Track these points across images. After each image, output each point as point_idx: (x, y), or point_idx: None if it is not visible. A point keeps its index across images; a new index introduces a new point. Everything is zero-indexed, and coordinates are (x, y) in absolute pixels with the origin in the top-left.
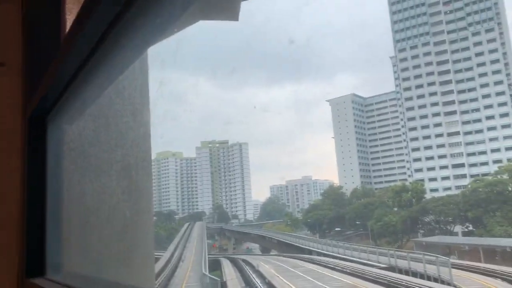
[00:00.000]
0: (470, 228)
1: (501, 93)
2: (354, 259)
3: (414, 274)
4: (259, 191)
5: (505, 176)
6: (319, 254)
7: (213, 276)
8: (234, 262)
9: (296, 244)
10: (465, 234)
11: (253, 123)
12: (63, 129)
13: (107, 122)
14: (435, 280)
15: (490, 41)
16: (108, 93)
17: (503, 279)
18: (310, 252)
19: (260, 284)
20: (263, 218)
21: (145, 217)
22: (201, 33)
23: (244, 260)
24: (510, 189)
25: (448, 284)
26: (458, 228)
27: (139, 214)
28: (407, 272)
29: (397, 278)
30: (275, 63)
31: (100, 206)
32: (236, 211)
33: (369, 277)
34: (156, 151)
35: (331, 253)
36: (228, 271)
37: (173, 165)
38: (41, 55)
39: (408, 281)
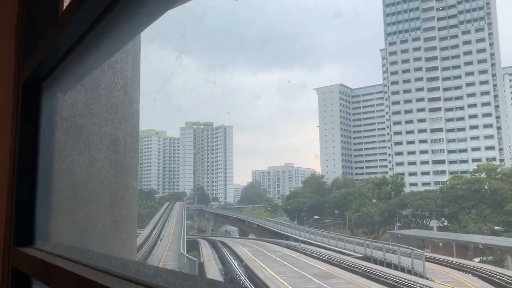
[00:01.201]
0: (446, 223)
1: (486, 93)
2: (331, 247)
3: (389, 265)
4: (241, 175)
5: (483, 175)
6: (296, 240)
7: (190, 256)
8: (212, 243)
9: (274, 229)
10: (440, 229)
11: (241, 107)
12: (57, 98)
13: (98, 94)
14: (409, 272)
15: (479, 40)
16: (101, 65)
17: (474, 275)
18: (288, 238)
19: (237, 266)
20: (243, 202)
21: (131, 193)
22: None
23: (222, 242)
24: (486, 187)
25: (421, 276)
26: (433, 223)
27: (125, 190)
28: (382, 263)
29: (372, 268)
30: (264, 47)
31: (89, 179)
32: (217, 193)
33: (344, 265)
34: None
35: (309, 240)
36: (206, 252)
37: (156, 143)
38: (38, 21)
39: (382, 271)
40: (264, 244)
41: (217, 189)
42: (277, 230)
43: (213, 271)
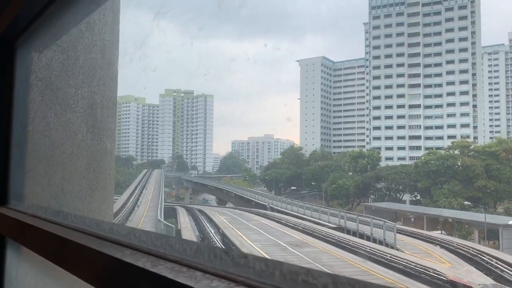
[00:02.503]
0: (418, 197)
1: (464, 71)
2: (307, 217)
3: (361, 236)
4: (220, 145)
5: (456, 152)
6: (273, 210)
7: (168, 223)
8: (189, 211)
9: (252, 198)
10: (413, 202)
11: (220, 76)
12: (31, 57)
13: (75, 56)
14: (380, 243)
15: (461, 18)
16: (79, 25)
17: (442, 246)
18: (265, 207)
19: (214, 234)
20: (222, 172)
21: (107, 158)
22: None
23: (199, 210)
24: (459, 164)
25: (392, 247)
26: (406, 197)
27: (102, 155)
28: (354, 234)
29: (345, 238)
30: (247, 16)
31: (65, 142)
32: (196, 162)
33: (319, 235)
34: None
35: (285, 210)
36: (183, 219)
37: (135, 110)
38: None
39: (355, 242)
40: (241, 213)
41: (196, 158)
42: (254, 200)
43: (190, 238)
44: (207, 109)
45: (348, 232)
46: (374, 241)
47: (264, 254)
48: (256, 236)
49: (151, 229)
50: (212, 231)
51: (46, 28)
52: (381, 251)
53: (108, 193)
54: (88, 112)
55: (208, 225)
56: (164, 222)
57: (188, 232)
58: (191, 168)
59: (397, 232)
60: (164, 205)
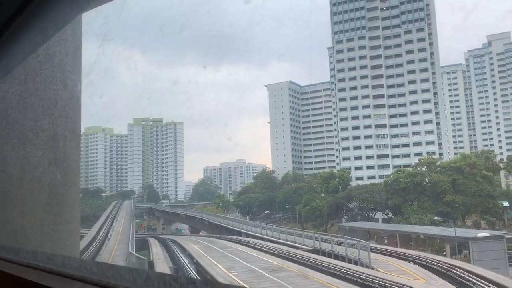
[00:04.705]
0: (390, 215)
1: (426, 90)
2: (282, 241)
3: (336, 257)
4: (192, 172)
5: (423, 168)
6: (248, 235)
7: (140, 255)
8: (162, 242)
9: (226, 225)
10: (385, 220)
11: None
12: None
13: (34, 88)
14: (355, 262)
15: (420, 40)
16: (37, 57)
17: (415, 263)
18: (239, 233)
19: (188, 264)
20: (195, 199)
21: (72, 191)
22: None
23: (172, 240)
24: (427, 180)
25: (367, 266)
26: (379, 215)
27: (66, 188)
28: (329, 255)
29: (320, 260)
30: (212, 43)
31: (23, 176)
32: (167, 191)
33: (294, 258)
34: (87, 121)
35: (260, 235)
36: (156, 250)
37: (102, 141)
38: None
39: (330, 263)
40: (216, 241)
41: (168, 187)
42: (228, 226)
43: (163, 270)
44: (177, 136)
45: (323, 253)
46: (349, 261)
47: (240, 282)
48: (232, 264)
49: (122, 263)
50: (186, 261)
51: None
52: (357, 271)
53: (74, 227)
54: (49, 144)
55: (181, 255)
56: (136, 254)
57: (161, 263)
58: (163, 197)
59: (371, 251)
60: (135, 237)
